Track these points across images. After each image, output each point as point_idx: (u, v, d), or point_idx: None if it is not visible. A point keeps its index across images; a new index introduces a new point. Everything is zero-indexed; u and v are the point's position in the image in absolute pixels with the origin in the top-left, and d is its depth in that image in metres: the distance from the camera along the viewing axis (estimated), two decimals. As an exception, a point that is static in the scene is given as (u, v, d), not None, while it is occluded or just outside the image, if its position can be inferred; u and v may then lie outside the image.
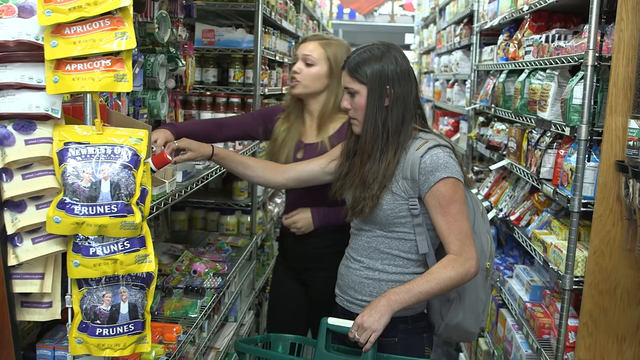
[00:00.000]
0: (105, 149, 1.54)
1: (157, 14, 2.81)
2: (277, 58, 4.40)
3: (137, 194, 1.55)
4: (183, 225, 4.07)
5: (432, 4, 7.31)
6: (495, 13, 3.84)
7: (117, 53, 1.50)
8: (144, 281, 1.65)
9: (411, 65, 2.08)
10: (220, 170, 2.88)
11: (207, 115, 3.39)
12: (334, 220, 2.51)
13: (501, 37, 3.75)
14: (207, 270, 3.19)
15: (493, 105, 3.77)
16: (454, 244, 1.94)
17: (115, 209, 1.51)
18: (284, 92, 4.99)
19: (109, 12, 1.48)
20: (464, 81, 5.07)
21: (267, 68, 4.15)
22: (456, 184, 1.96)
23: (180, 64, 3.09)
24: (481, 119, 4.30)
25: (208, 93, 4.01)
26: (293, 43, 5.61)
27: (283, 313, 2.86)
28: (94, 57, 1.48)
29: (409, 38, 12.35)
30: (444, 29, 6.17)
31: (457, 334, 2.16)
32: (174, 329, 2.41)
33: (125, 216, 1.52)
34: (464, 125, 5.05)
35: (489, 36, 4.43)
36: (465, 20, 5.08)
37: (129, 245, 1.57)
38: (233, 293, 3.48)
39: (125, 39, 1.47)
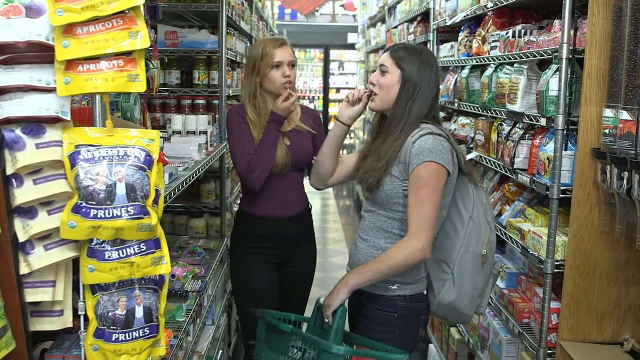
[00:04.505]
0: (118, 151, 1.51)
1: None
2: (238, 59, 4.38)
3: (152, 195, 1.53)
4: (151, 230, 4.00)
5: (381, 2, 7.42)
6: (455, 10, 3.95)
7: (129, 53, 1.48)
8: (157, 283, 1.63)
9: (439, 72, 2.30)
10: (198, 173, 2.85)
11: (177, 117, 3.34)
12: None
13: (462, 34, 3.86)
14: (185, 273, 3.15)
15: (456, 100, 3.88)
16: (411, 225, 2.08)
17: (132, 211, 1.49)
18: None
19: (122, 12, 1.45)
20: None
21: (230, 69, 4.13)
22: (437, 169, 2.08)
23: (151, 66, 3.05)
24: (442, 114, 4.40)
25: (172, 95, 3.96)
26: (248, 43, 5.60)
27: (263, 305, 2.84)
28: (106, 57, 1.46)
29: (351, 37, 12.49)
30: (395, 27, 6.28)
31: (451, 314, 2.27)
32: (166, 334, 2.37)
33: (142, 218, 1.50)
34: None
35: (446, 33, 4.54)
36: (419, 19, 5.18)
37: (145, 248, 1.55)
38: (211, 296, 3.45)
39: (139, 38, 1.45)
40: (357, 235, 2.32)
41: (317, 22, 13.85)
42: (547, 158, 2.52)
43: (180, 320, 2.64)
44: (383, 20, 7.33)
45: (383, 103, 2.22)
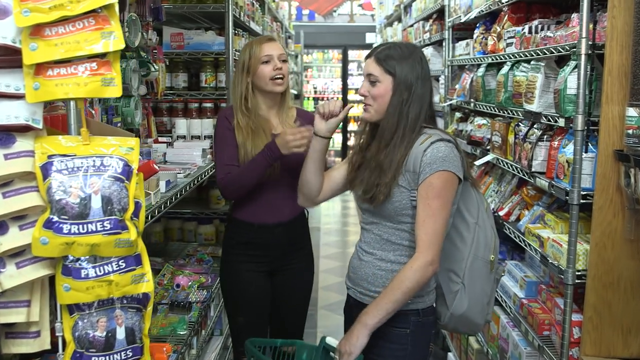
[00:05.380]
0: (94, 161, 1.41)
1: (126, 17, 2.67)
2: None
3: (131, 208, 1.42)
4: (159, 237, 3.92)
5: (397, 1, 7.27)
6: (470, 7, 3.80)
7: (103, 55, 1.37)
8: (141, 302, 1.52)
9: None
10: (199, 180, 2.75)
11: (181, 121, 3.25)
12: None
13: (477, 31, 3.71)
14: (190, 283, 3.05)
15: (472, 100, 3.72)
16: (421, 240, 1.96)
17: (109, 226, 1.38)
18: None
19: (93, 11, 1.35)
20: (437, 77, 5.03)
21: (239, 71, 4.02)
22: (450, 179, 1.97)
23: (152, 69, 2.95)
24: (458, 114, 4.25)
25: (179, 99, 3.87)
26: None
27: (251, 314, 2.74)
28: (78, 60, 1.35)
29: (369, 37, 12.34)
30: (411, 25, 6.13)
31: (462, 325, 2.16)
32: (164, 348, 2.26)
33: (119, 233, 1.39)
34: (439, 122, 5.00)
35: (461, 31, 4.39)
36: (434, 16, 5.03)
37: (124, 265, 1.44)
38: (218, 305, 3.35)
39: (112, 39, 1.34)
40: (359, 248, 2.17)
41: (335, 23, 13.72)
42: (567, 161, 2.36)
43: (182, 333, 2.54)
44: (399, 19, 7.18)
45: (379, 114, 2.07)
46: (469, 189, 2.11)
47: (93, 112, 2.45)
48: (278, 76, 2.58)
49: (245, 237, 2.69)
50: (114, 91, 1.37)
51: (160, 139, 3.19)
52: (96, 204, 1.38)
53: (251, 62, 2.59)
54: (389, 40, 8.25)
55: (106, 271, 1.42)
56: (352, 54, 13.58)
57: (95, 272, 1.41)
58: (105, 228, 1.38)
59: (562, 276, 2.34)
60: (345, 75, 13.17)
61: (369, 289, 2.11)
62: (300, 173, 2.40)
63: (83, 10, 1.32)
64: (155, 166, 1.82)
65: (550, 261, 2.44)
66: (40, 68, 1.33)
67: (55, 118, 1.61)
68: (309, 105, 12.47)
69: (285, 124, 2.66)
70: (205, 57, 3.75)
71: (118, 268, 1.43)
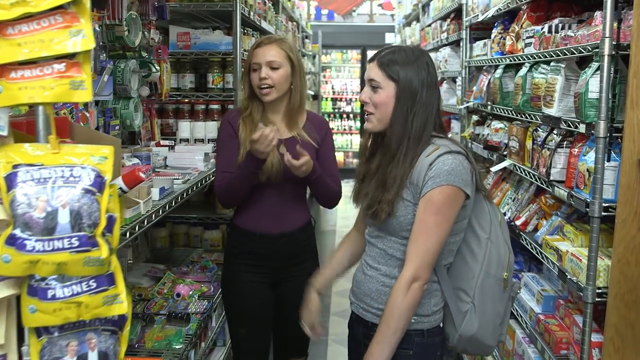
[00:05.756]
0: (63, 171, 1.29)
1: (125, 16, 2.56)
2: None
3: (103, 223, 1.30)
4: (164, 243, 3.81)
5: (415, 0, 7.10)
6: (487, 5, 3.63)
7: (72, 56, 1.25)
8: (116, 324, 1.40)
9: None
10: (199, 186, 2.63)
11: (184, 124, 3.14)
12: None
13: (495, 31, 3.54)
14: (191, 292, 2.94)
15: (489, 103, 3.56)
16: (409, 255, 1.85)
17: (77, 243, 1.26)
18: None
19: (61, 7, 1.23)
20: (454, 79, 4.86)
21: (248, 71, 3.90)
22: (453, 194, 1.83)
23: (153, 70, 2.85)
24: (475, 117, 4.08)
25: (186, 100, 3.76)
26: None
27: (253, 326, 2.61)
28: (44, 61, 1.23)
29: (389, 37, 12.17)
30: (429, 25, 5.97)
31: (472, 347, 2.01)
32: (157, 365, 2.16)
33: (88, 251, 1.27)
34: (455, 125, 4.84)
35: (479, 30, 4.22)
36: (452, 16, 4.87)
37: (95, 285, 1.32)
38: (221, 315, 3.23)
39: (81, 37, 1.22)
40: (364, 262, 2.05)
41: (354, 23, 13.57)
42: (587, 170, 2.20)
43: (177, 347, 2.42)
44: (418, 19, 7.02)
45: (382, 123, 1.93)
46: (481, 201, 1.96)
47: (88, 114, 2.34)
48: (263, 86, 2.45)
49: (247, 247, 2.57)
50: (84, 95, 1.25)
51: (163, 142, 3.08)
52: (63, 218, 1.26)
53: (246, 66, 2.51)
54: (407, 40, 8.08)
55: (75, 292, 1.30)
56: (371, 54, 13.37)
57: (64, 293, 1.30)
58: (73, 245, 1.26)
59: (581, 293, 2.18)
60: (363, 76, 13.01)
61: (371, 305, 1.98)
62: (305, 182, 2.44)
63: (48, 7, 1.20)
64: (141, 174, 1.69)
65: (568, 277, 2.28)
66: (2, 70, 1.22)
67: (31, 123, 1.49)
68: (327, 106, 12.32)
69: (293, 127, 2.53)
70: (213, 57, 3.64)
71: (88, 288, 1.31)
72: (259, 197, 2.50)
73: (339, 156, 10.72)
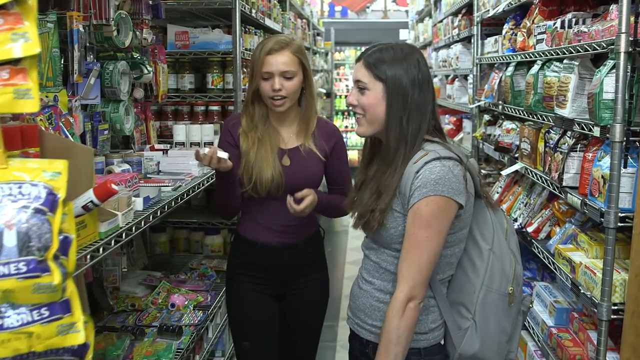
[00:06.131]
0: (11, 188, 1.16)
1: (114, 15, 2.44)
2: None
3: (55, 245, 1.17)
4: (164, 248, 3.70)
5: (427, -5, 6.94)
6: (499, 0, 3.47)
7: (17, 62, 1.13)
8: (76, 353, 1.27)
9: (430, 73, 1.82)
10: (193, 192, 2.50)
11: (179, 127, 3.02)
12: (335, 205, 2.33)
13: (506, 26, 3.38)
14: (186, 302, 2.82)
15: (501, 102, 3.40)
16: (401, 274, 1.71)
17: (25, 268, 1.14)
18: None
19: (2, 7, 1.10)
20: (465, 76, 4.70)
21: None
22: (443, 205, 1.66)
23: (145, 71, 2.72)
24: (487, 117, 3.92)
25: (185, 102, 3.64)
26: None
27: (256, 339, 2.44)
28: (-16, 67, 1.11)
29: (403, 34, 11.97)
30: (441, 21, 5.79)
31: None
32: (142, 384, 2.04)
33: (38, 276, 1.15)
34: (467, 124, 4.67)
35: (491, 26, 4.06)
36: (464, 11, 4.70)
37: (47, 313, 1.19)
38: (219, 325, 3.11)
39: (24, 41, 1.10)
40: (360, 275, 1.92)
41: (368, 19, 13.40)
42: (602, 176, 2.04)
43: (166, 363, 2.30)
44: (430, 15, 6.84)
45: (372, 127, 1.79)
46: (483, 209, 1.80)
47: (72, 119, 2.23)
48: (277, 97, 2.25)
49: (248, 257, 2.41)
50: (29, 105, 1.12)
51: (158, 146, 2.96)
52: (10, 241, 1.13)
53: (255, 71, 2.27)
54: (420, 37, 7.91)
55: (25, 321, 1.17)
56: (386, 51, 13.22)
57: (12, 323, 1.17)
58: (21, 270, 1.14)
59: (595, 310, 2.02)
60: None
61: (366, 321, 1.85)
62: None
63: (-13, 7, 1.08)
64: (114, 186, 1.56)
65: (582, 291, 2.12)
66: (-61, 77, 1.09)
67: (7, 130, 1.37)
68: (340, 104, 12.16)
69: (299, 136, 2.36)
70: (212, 57, 3.51)
71: (40, 317, 1.18)
72: (260, 208, 2.35)
73: (352, 155, 10.55)
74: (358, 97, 1.79)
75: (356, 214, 1.84)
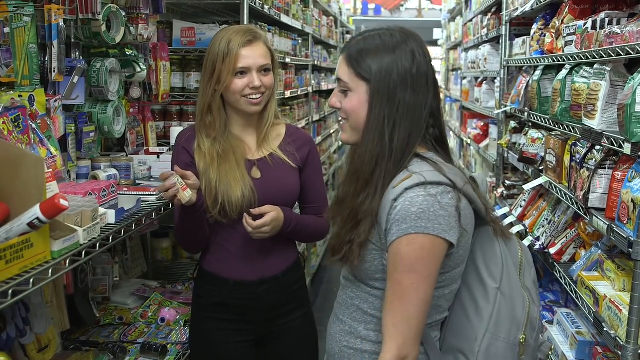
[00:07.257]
0: None
1: (102, 9, 2.27)
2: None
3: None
4: (166, 254, 3.52)
5: (459, -7, 6.66)
6: (528, -3, 3.20)
7: None
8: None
9: (433, 66, 1.50)
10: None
11: (175, 130, 2.83)
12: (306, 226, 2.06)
13: (535, 26, 3.11)
14: (177, 317, 2.64)
15: (527, 109, 3.13)
16: (387, 329, 1.43)
17: None
18: (287, 96, 4.44)
19: None
20: (493, 79, 4.42)
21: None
22: (428, 245, 1.38)
23: (138, 69, 2.54)
24: (513, 123, 3.65)
25: (190, 101, 3.46)
26: (300, 41, 5.04)
27: None
28: None
29: (437, 33, 11.69)
30: (471, 20, 5.52)
31: None
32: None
33: None
34: (493, 130, 4.40)
35: (521, 26, 3.79)
36: (493, 9, 4.43)
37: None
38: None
39: None
40: (335, 307, 1.66)
41: (402, 18, 13.14)
42: (632, 200, 1.78)
43: (144, 387, 2.12)
44: (461, 13, 6.56)
45: (356, 133, 1.51)
46: (491, 239, 1.51)
47: (49, 121, 2.06)
48: (255, 95, 1.97)
49: (217, 297, 2.06)
50: None
51: (152, 149, 2.78)
52: None
53: (222, 68, 1.94)
54: (452, 37, 7.61)
55: None
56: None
57: None
58: None
59: (619, 352, 1.77)
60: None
61: None
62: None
63: None
64: (62, 202, 1.38)
65: (605, 329, 1.86)
66: None
67: None
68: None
69: (265, 145, 2.06)
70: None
71: None
72: (228, 236, 2.02)
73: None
74: (340, 98, 1.52)
75: (327, 245, 1.58)
